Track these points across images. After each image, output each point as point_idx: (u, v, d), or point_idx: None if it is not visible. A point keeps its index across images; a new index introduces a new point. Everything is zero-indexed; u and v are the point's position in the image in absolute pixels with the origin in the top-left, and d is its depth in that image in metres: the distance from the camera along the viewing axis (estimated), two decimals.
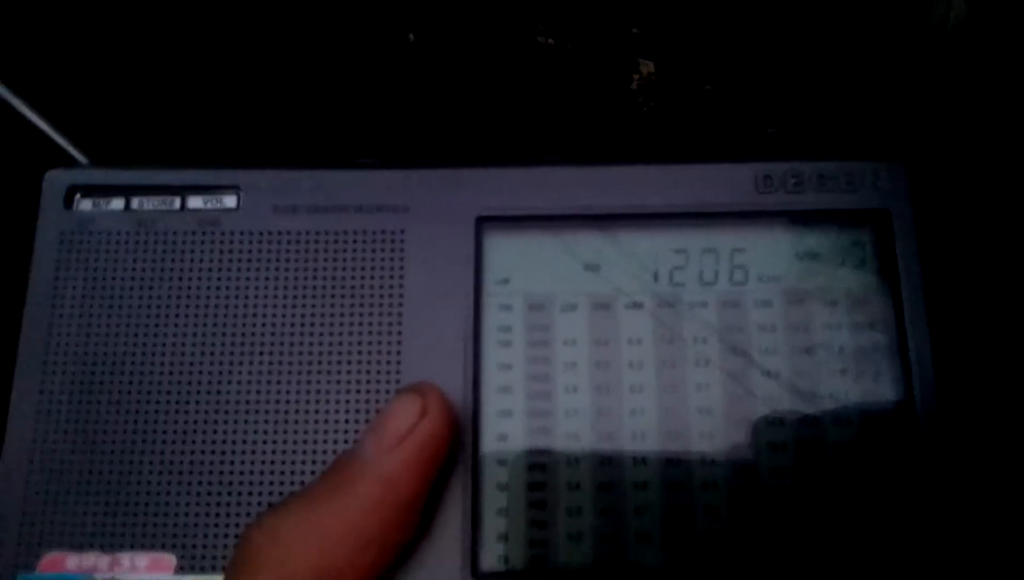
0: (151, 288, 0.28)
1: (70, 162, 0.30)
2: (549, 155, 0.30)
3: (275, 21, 0.37)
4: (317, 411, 0.27)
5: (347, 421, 0.27)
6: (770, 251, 0.28)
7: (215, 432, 0.27)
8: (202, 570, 0.26)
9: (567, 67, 0.37)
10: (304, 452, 0.26)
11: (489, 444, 0.26)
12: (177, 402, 0.27)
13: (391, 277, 0.28)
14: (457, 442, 0.26)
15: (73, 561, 0.26)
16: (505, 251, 0.28)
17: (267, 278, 0.28)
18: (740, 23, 0.37)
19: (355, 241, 0.28)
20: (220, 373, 0.27)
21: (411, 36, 0.37)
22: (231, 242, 0.28)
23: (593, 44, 0.37)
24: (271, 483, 0.26)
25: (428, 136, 0.37)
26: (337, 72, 0.37)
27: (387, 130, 0.37)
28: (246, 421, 0.27)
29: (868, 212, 0.28)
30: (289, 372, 0.27)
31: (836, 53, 0.36)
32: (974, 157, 0.31)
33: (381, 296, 0.28)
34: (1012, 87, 0.30)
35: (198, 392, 0.27)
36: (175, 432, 0.27)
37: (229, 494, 0.26)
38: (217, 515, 0.26)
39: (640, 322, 0.27)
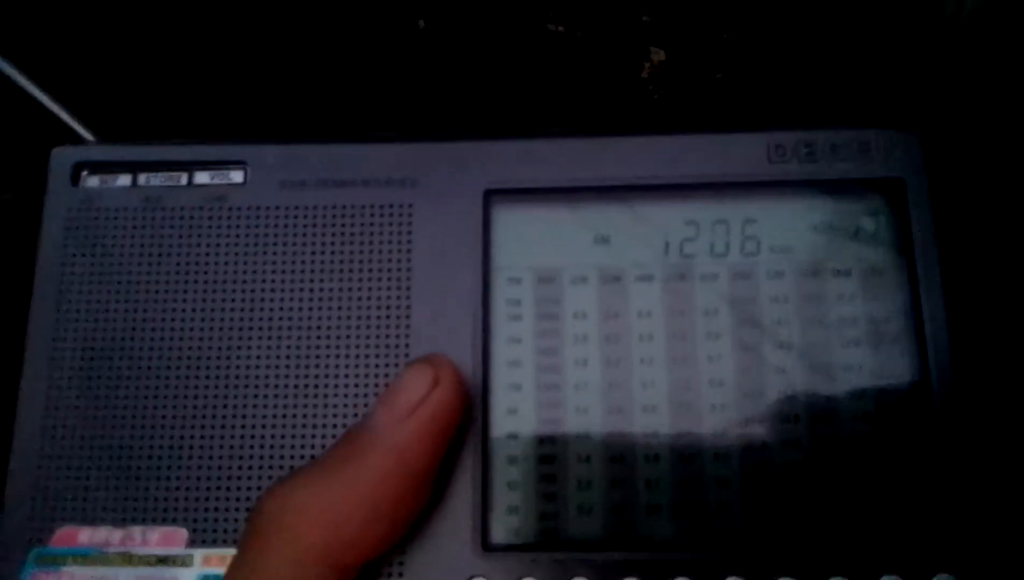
0: (159, 264, 0.28)
1: (77, 139, 0.30)
2: (559, 127, 0.30)
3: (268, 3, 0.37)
4: (326, 385, 0.27)
5: (356, 395, 0.27)
6: (782, 222, 0.27)
7: (225, 407, 0.27)
8: (214, 543, 0.26)
9: (577, 55, 0.37)
10: (314, 426, 0.26)
11: (499, 418, 0.26)
12: (187, 377, 0.27)
13: (399, 251, 0.28)
14: (468, 414, 0.26)
15: (85, 535, 0.26)
16: (514, 224, 0.28)
17: (275, 253, 0.28)
18: (751, 11, 0.36)
19: (363, 215, 0.28)
20: (229, 348, 0.27)
21: (421, 23, 0.37)
22: (238, 217, 0.28)
23: (603, 32, 0.37)
24: (281, 457, 0.26)
25: (436, 124, 0.37)
26: (344, 54, 0.37)
27: (393, 116, 0.37)
28: (256, 395, 0.27)
29: (882, 181, 0.27)
30: (298, 346, 0.27)
31: (848, 42, 0.35)
32: (989, 126, 0.31)
33: (389, 270, 0.27)
34: (998, 57, 0.30)
35: (207, 367, 0.27)
36: (185, 407, 0.27)
37: (240, 468, 0.26)
38: (228, 489, 0.26)
39: (650, 294, 0.27)
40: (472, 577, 0.25)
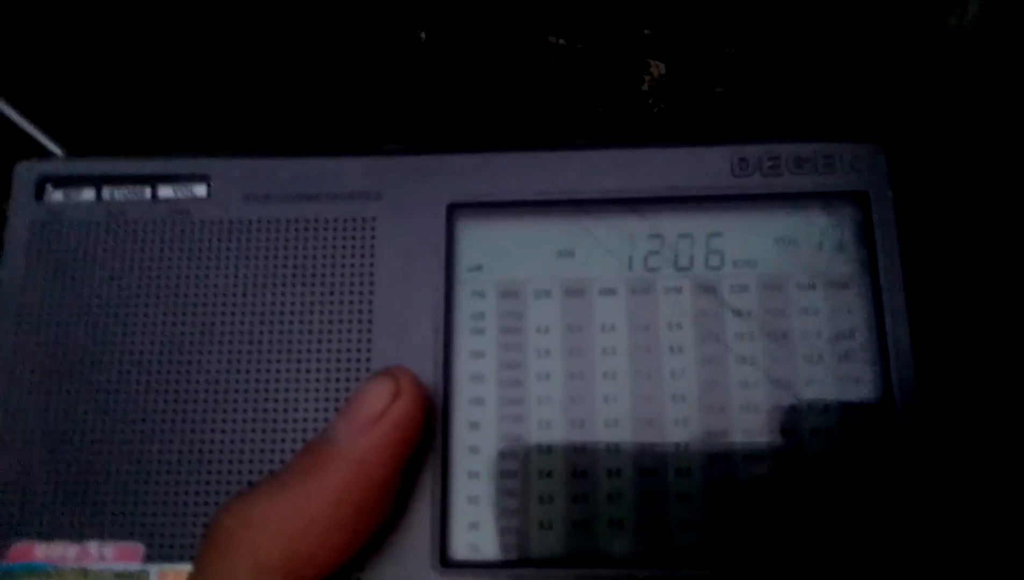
0: (122, 278, 0.28)
1: (43, 153, 0.30)
2: (523, 140, 0.30)
3: (255, 11, 0.37)
4: (287, 399, 0.26)
5: (317, 410, 0.26)
6: (746, 235, 0.27)
7: (184, 421, 0.26)
8: (171, 559, 0.25)
9: (578, 67, 0.37)
10: (275, 440, 0.26)
11: (460, 432, 0.26)
12: (147, 391, 0.27)
13: (362, 265, 0.27)
14: (430, 427, 0.26)
15: (41, 551, 0.25)
16: (477, 238, 0.28)
17: (238, 266, 0.28)
18: (752, 25, 0.36)
19: (326, 229, 0.28)
20: (191, 362, 0.27)
21: (423, 35, 0.37)
22: (202, 231, 0.28)
23: (604, 44, 0.37)
24: (240, 472, 0.26)
25: (412, 124, 0.37)
26: (316, 61, 0.37)
27: (370, 118, 0.37)
28: (215, 410, 0.26)
29: (846, 194, 0.27)
30: (260, 360, 0.27)
31: (844, 54, 0.35)
32: (954, 138, 0.30)
33: (352, 284, 0.27)
34: (994, 69, 0.30)
35: (167, 381, 0.27)
36: (144, 422, 0.26)
37: (198, 483, 0.26)
38: (186, 504, 0.26)
39: (614, 308, 0.27)
40: None
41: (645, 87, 0.37)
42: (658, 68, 0.37)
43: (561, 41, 0.37)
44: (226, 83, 0.37)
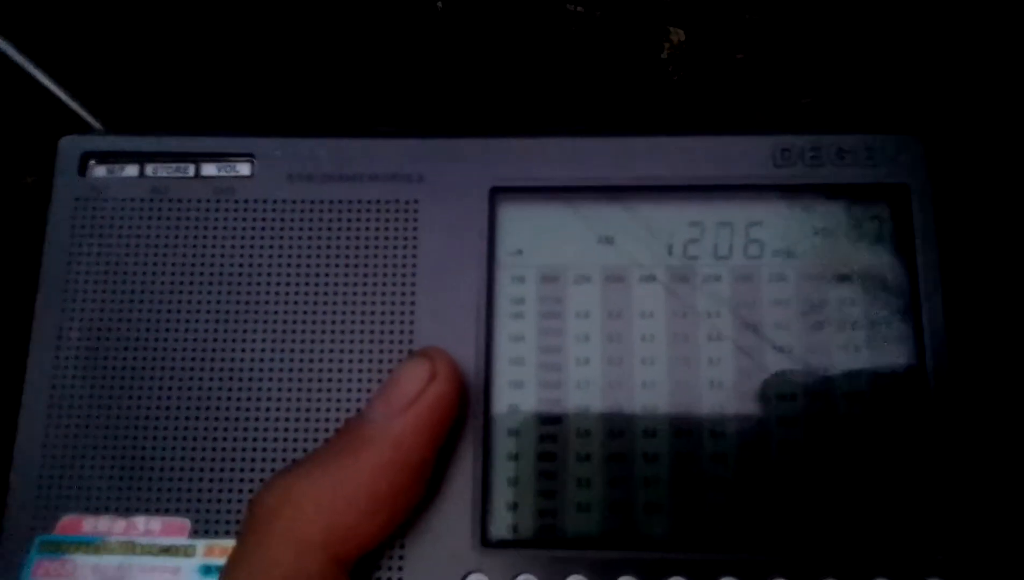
0: (165, 255, 0.28)
1: (85, 129, 0.30)
2: (566, 125, 0.30)
3: None
4: (330, 379, 0.27)
5: (359, 389, 0.27)
6: (786, 225, 0.28)
7: (229, 398, 0.27)
8: (216, 534, 0.26)
9: (596, 35, 0.37)
10: (317, 419, 0.27)
11: (500, 415, 0.27)
12: (191, 368, 0.27)
13: (404, 247, 0.28)
14: (466, 407, 0.26)
15: (89, 524, 0.26)
16: (519, 222, 0.28)
17: (281, 246, 0.28)
18: None
19: (369, 210, 0.28)
20: (234, 340, 0.27)
21: (440, 4, 0.37)
22: (245, 210, 0.28)
23: (623, 12, 0.37)
24: (284, 449, 0.26)
25: (454, 105, 0.37)
26: (359, 39, 0.37)
27: (412, 98, 0.37)
28: (259, 387, 0.27)
29: (886, 187, 0.27)
30: (302, 340, 0.27)
31: (865, 23, 0.35)
32: (994, 132, 0.31)
33: (394, 266, 0.28)
34: None
35: (212, 358, 0.27)
36: (189, 398, 0.27)
37: (243, 459, 0.26)
38: (231, 480, 0.26)
39: (653, 295, 0.27)
40: (470, 572, 0.25)
41: (664, 54, 0.37)
42: (677, 35, 0.37)
43: (579, 8, 0.37)
44: (266, 61, 0.37)
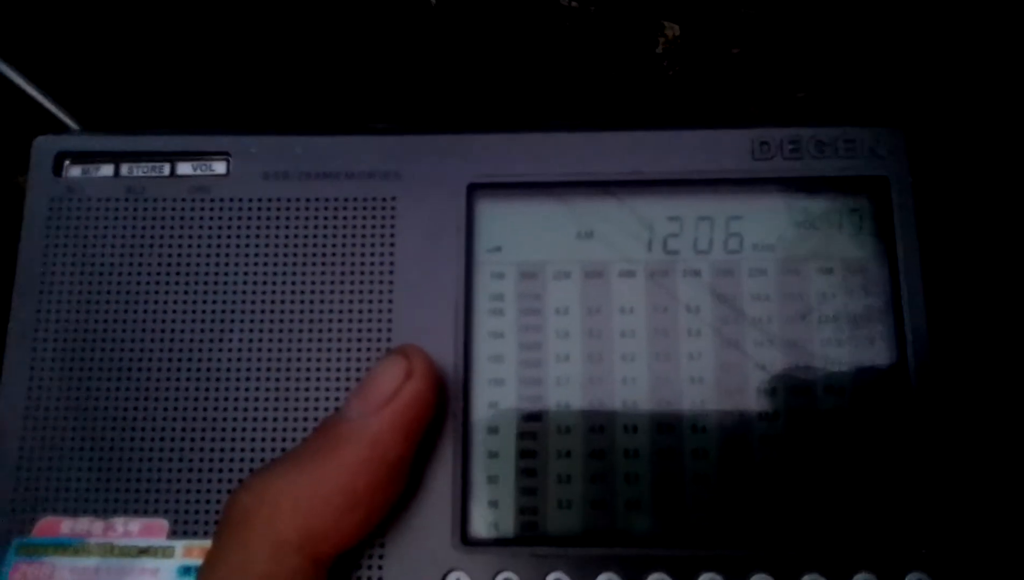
0: (141, 255, 0.28)
1: (61, 129, 0.29)
2: (543, 120, 0.30)
3: None
4: (308, 377, 0.27)
5: (338, 388, 0.27)
6: (766, 219, 0.27)
7: (206, 398, 0.27)
8: (195, 535, 0.26)
9: (591, 30, 0.36)
10: (295, 418, 0.26)
11: (480, 412, 0.26)
12: (168, 368, 0.27)
13: (382, 244, 0.28)
14: (445, 404, 0.26)
15: (67, 526, 0.26)
16: (497, 218, 0.28)
17: (257, 245, 0.28)
18: None
19: (346, 208, 0.28)
20: (211, 339, 0.27)
21: (433, 0, 0.37)
22: (221, 209, 0.28)
23: (617, 6, 0.36)
24: (263, 449, 0.26)
25: (444, 101, 0.36)
26: (338, 36, 0.37)
27: (395, 95, 0.36)
28: (237, 387, 0.27)
29: (866, 179, 0.27)
30: (280, 339, 0.27)
31: (855, 17, 0.35)
32: (974, 124, 0.30)
33: (372, 263, 0.27)
34: (1013, 54, 0.30)
35: (189, 358, 0.27)
36: (167, 398, 0.27)
37: (221, 460, 0.26)
38: (209, 481, 0.26)
39: (633, 290, 0.27)
40: (451, 570, 0.25)
41: (660, 49, 0.36)
42: (672, 30, 0.36)
43: (574, 3, 0.37)
44: (243, 59, 0.37)
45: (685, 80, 0.36)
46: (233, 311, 0.27)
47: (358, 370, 0.27)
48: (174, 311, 0.27)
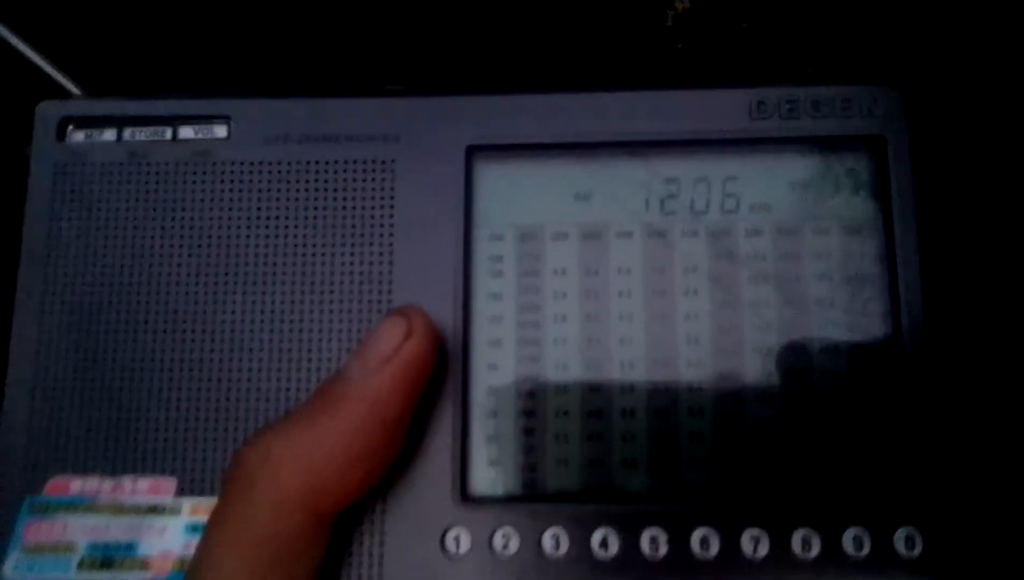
0: (145, 218, 0.28)
1: (63, 94, 0.30)
2: (541, 82, 0.30)
3: None
4: (310, 339, 0.27)
5: (339, 349, 0.27)
6: (763, 179, 0.27)
7: (211, 359, 0.27)
8: (202, 492, 0.26)
9: (601, 3, 0.36)
10: (297, 378, 0.27)
11: (479, 373, 0.27)
12: (173, 330, 0.27)
13: (382, 207, 0.28)
14: (445, 365, 0.26)
15: (77, 484, 0.26)
16: (496, 180, 0.28)
17: (259, 208, 0.28)
18: None
19: (346, 171, 0.28)
20: (215, 301, 0.27)
21: None
22: (222, 172, 0.28)
23: None
24: (267, 408, 0.27)
25: (448, 67, 0.36)
26: (344, 6, 0.36)
27: (404, 59, 0.36)
28: (241, 348, 0.27)
29: (863, 138, 0.27)
30: (282, 300, 0.27)
31: None
32: (972, 84, 0.30)
33: (372, 225, 0.28)
34: (1013, 12, 0.29)
35: (193, 320, 0.27)
36: (172, 360, 0.27)
37: (226, 419, 0.27)
38: (215, 439, 0.27)
39: (630, 251, 0.27)
40: (451, 526, 0.26)
41: (669, 23, 0.36)
42: (682, 3, 0.36)
43: None
44: (243, 23, 0.37)
45: (694, 54, 0.36)
46: (236, 273, 0.28)
47: (359, 331, 0.27)
48: (178, 273, 0.28)
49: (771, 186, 0.27)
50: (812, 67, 0.35)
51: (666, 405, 0.26)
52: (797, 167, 0.27)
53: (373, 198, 0.28)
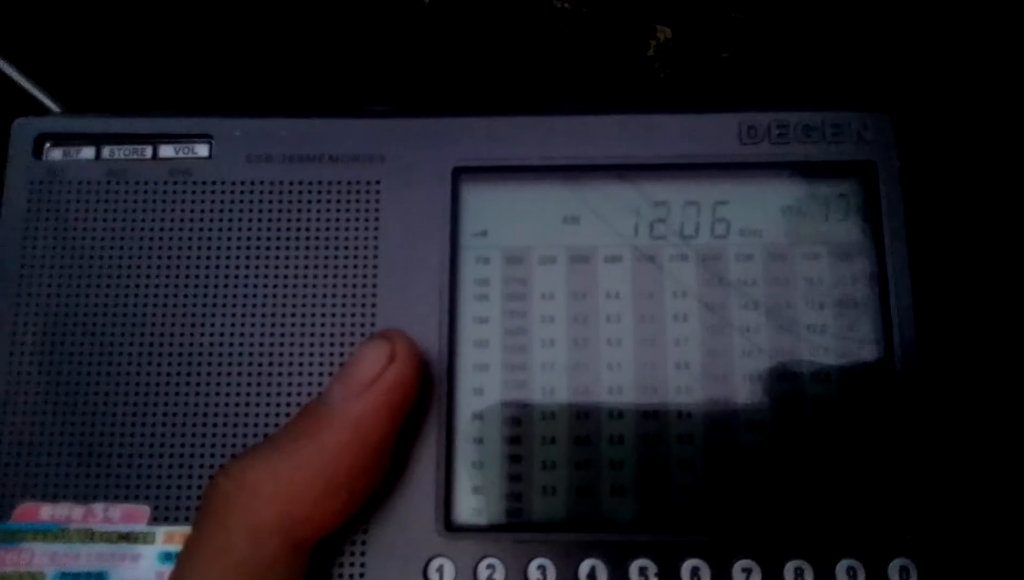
0: (123, 238, 0.27)
1: (42, 110, 0.29)
2: (529, 104, 0.30)
3: None
4: (291, 363, 0.26)
5: (320, 373, 0.26)
6: (753, 204, 0.27)
7: (188, 383, 0.26)
8: (176, 521, 0.26)
9: (583, 32, 0.36)
10: (278, 403, 0.26)
11: (464, 398, 0.26)
12: (150, 353, 0.27)
13: (366, 228, 0.27)
14: (429, 389, 0.26)
15: (47, 511, 0.26)
16: (482, 202, 0.28)
17: (240, 228, 0.27)
18: None
19: (330, 191, 0.28)
20: (193, 324, 0.27)
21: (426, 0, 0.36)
22: (203, 192, 0.28)
23: (610, 9, 0.36)
24: (245, 434, 0.26)
25: (433, 94, 0.36)
26: (325, 19, 0.36)
27: (389, 82, 0.36)
28: (219, 372, 0.26)
29: (854, 164, 0.27)
30: (263, 323, 0.27)
31: (852, 22, 0.35)
32: (962, 109, 0.30)
33: (356, 247, 0.27)
34: (1001, 37, 0.30)
35: (171, 343, 0.27)
36: (148, 383, 0.26)
37: (203, 445, 0.26)
38: (191, 466, 0.26)
39: (619, 275, 0.27)
40: (434, 556, 0.25)
41: (651, 52, 0.36)
42: (664, 33, 0.36)
43: (567, 5, 0.37)
44: (227, 41, 0.36)
45: (676, 83, 0.36)
46: (215, 296, 0.27)
47: (341, 355, 0.26)
48: (155, 295, 0.27)
49: (762, 211, 0.27)
50: (797, 95, 0.35)
51: (655, 432, 0.26)
52: (787, 192, 0.27)
53: (357, 220, 0.27)
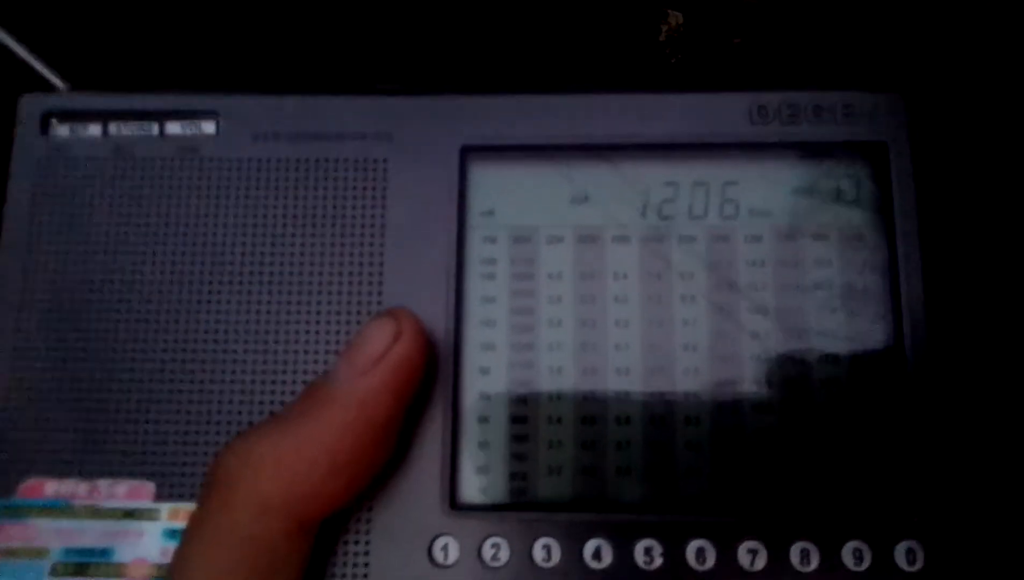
0: (129, 215, 0.27)
1: (48, 87, 0.29)
2: (537, 83, 0.29)
3: None
4: (296, 340, 0.26)
5: (326, 350, 0.26)
6: (762, 184, 0.27)
7: (194, 360, 0.26)
8: (181, 497, 0.25)
9: (594, 17, 0.36)
10: (283, 381, 0.26)
11: (471, 377, 0.26)
12: (156, 330, 0.27)
13: (373, 207, 0.27)
14: (435, 369, 0.26)
15: (52, 487, 0.26)
16: (490, 182, 0.27)
17: (247, 206, 0.27)
18: None
19: (336, 169, 0.27)
20: (199, 301, 0.27)
21: None
22: (210, 169, 0.28)
23: None
24: (250, 411, 0.26)
25: (441, 70, 0.36)
26: (342, 3, 0.36)
27: (397, 58, 0.36)
28: (225, 349, 0.26)
29: (864, 145, 0.27)
30: (268, 301, 0.27)
31: (864, 3, 0.34)
32: (974, 90, 0.30)
33: (363, 226, 0.27)
34: (1017, 16, 0.29)
35: (177, 320, 0.27)
36: (154, 360, 0.26)
37: (208, 422, 0.26)
38: (196, 443, 0.26)
39: (627, 256, 0.27)
40: (439, 535, 0.25)
41: (662, 37, 0.36)
42: (676, 18, 0.36)
43: None
44: (234, 18, 0.36)
45: (687, 68, 0.36)
46: (222, 273, 0.27)
47: (347, 333, 0.26)
48: (162, 272, 0.27)
49: (771, 191, 0.27)
50: (808, 79, 0.34)
51: (662, 413, 0.26)
52: (797, 173, 0.27)
53: (364, 198, 0.27)
